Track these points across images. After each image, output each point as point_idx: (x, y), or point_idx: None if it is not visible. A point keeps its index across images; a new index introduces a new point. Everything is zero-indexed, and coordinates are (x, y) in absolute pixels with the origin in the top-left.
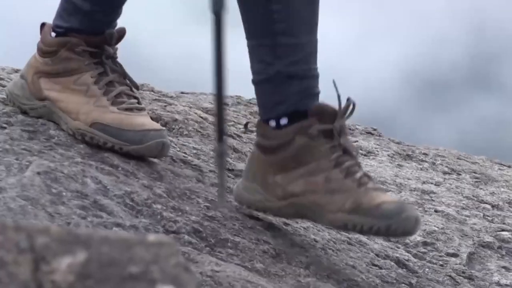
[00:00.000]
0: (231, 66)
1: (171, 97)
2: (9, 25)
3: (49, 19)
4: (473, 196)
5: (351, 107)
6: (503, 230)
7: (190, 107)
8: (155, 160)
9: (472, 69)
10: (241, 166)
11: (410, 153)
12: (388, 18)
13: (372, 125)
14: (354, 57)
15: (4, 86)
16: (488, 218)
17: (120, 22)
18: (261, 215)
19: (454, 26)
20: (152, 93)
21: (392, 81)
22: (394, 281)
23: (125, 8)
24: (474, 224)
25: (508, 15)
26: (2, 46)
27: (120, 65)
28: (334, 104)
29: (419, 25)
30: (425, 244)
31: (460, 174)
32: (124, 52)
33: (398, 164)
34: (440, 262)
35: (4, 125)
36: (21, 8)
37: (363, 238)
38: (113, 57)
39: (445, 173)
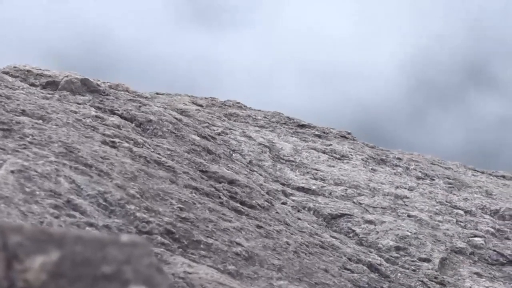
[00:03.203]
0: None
1: (146, 97)
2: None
3: (45, 16)
4: (446, 201)
5: None
6: (475, 236)
7: (165, 108)
8: (129, 160)
9: (472, 66)
10: (215, 168)
11: (384, 157)
12: (388, 12)
13: (371, 121)
14: (354, 52)
15: None
16: (461, 223)
17: (99, 20)
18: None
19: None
20: (127, 93)
21: (391, 75)
22: (366, 285)
23: (107, 7)
24: (447, 229)
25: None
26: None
27: None
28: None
29: (421, 20)
30: (397, 248)
31: (433, 179)
32: (99, 50)
33: (372, 169)
34: (413, 267)
35: None
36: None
37: (336, 242)
38: None
39: (418, 178)
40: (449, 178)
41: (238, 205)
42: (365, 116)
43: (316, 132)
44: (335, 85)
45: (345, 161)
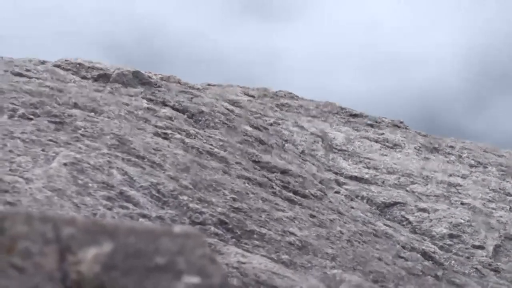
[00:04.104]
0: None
1: (197, 89)
2: (33, 17)
3: (99, 8)
4: (500, 189)
5: None
6: None
7: (217, 99)
8: (181, 151)
9: None
10: (267, 158)
11: (437, 146)
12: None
13: (431, 110)
14: (413, 40)
15: (31, 78)
16: None
17: (153, 13)
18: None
19: None
20: (179, 85)
21: (451, 63)
22: (420, 273)
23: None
24: (501, 216)
25: None
26: (30, 38)
27: None
28: None
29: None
30: (451, 236)
31: (486, 167)
32: (152, 43)
33: (424, 157)
34: (466, 255)
35: (31, 116)
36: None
37: (389, 231)
38: None
39: (471, 166)
40: (502, 166)
41: (291, 194)
42: (424, 104)
43: (369, 121)
44: (394, 74)
45: (397, 149)
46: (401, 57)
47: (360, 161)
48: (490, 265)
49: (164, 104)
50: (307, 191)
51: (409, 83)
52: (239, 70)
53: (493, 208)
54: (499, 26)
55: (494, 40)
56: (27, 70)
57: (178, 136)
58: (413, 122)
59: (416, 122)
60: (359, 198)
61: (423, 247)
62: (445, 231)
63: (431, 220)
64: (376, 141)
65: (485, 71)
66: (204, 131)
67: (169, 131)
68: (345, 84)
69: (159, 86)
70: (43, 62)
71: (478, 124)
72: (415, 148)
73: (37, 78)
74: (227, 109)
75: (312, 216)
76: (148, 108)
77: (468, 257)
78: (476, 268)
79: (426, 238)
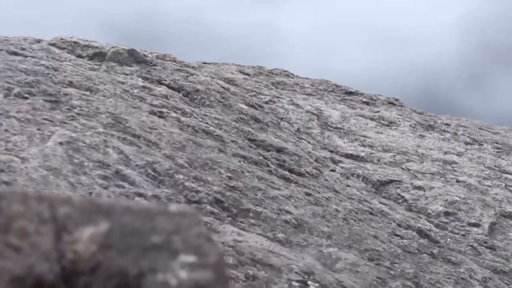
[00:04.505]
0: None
1: (193, 67)
2: None
3: None
4: (495, 166)
5: None
6: None
7: (212, 77)
8: (177, 130)
9: None
10: (263, 136)
11: (432, 123)
12: None
13: (429, 86)
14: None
15: (26, 57)
16: (510, 188)
17: None
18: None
19: None
20: (174, 63)
21: (449, 38)
22: (416, 251)
23: None
24: (496, 194)
25: None
26: (26, 17)
27: None
28: None
29: None
30: (447, 214)
31: (482, 144)
32: (147, 20)
33: (420, 135)
34: (462, 232)
35: (26, 95)
36: None
37: (385, 208)
38: None
39: (467, 143)
40: (497, 143)
41: (287, 173)
42: (422, 81)
43: (364, 99)
44: (392, 51)
45: (393, 127)
46: (399, 34)
47: (356, 139)
48: (485, 242)
49: (160, 82)
50: (302, 169)
51: (407, 60)
52: (236, 48)
53: (488, 186)
54: (498, 2)
55: (493, 15)
56: (23, 49)
57: (173, 114)
58: (411, 100)
59: (415, 100)
60: (355, 176)
61: (419, 225)
62: (440, 208)
63: (426, 198)
64: (372, 119)
65: (483, 47)
66: (200, 110)
67: (164, 110)
68: (345, 60)
69: (154, 65)
70: (38, 41)
71: (475, 101)
72: (410, 125)
73: (33, 57)
74: (223, 87)
75: (307, 194)
76: (143, 87)
77: (463, 235)
78: (472, 246)
79: (421, 216)
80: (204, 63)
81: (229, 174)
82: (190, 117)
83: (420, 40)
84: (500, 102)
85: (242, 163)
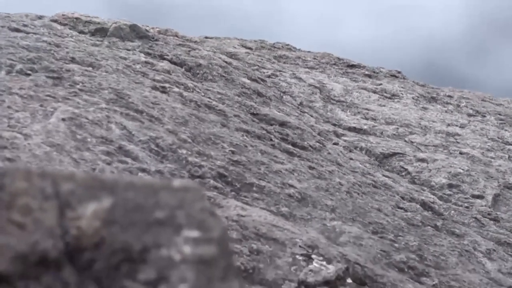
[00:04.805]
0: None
1: (195, 42)
2: None
3: None
4: (498, 137)
5: None
6: None
7: (214, 52)
8: (179, 105)
9: None
10: (265, 110)
11: (435, 95)
12: None
13: (434, 57)
14: None
15: (28, 33)
16: None
17: None
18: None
19: None
20: (176, 38)
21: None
22: (420, 223)
23: None
24: (500, 165)
25: None
26: None
27: None
28: None
29: None
30: (450, 186)
31: (485, 116)
32: None
33: (422, 107)
34: (466, 204)
35: (29, 72)
36: None
37: (388, 181)
38: None
39: (470, 115)
40: (500, 115)
41: (290, 146)
42: (426, 52)
43: (366, 72)
44: (397, 21)
45: (395, 100)
46: (404, 3)
47: (358, 112)
48: (489, 214)
49: (162, 57)
50: (305, 143)
51: (411, 32)
52: (239, 23)
53: (492, 157)
54: None
55: None
56: (24, 26)
57: (176, 89)
58: (415, 71)
59: (419, 71)
60: (358, 149)
61: (422, 198)
62: (444, 181)
63: (430, 170)
64: (374, 92)
65: (487, 19)
66: (202, 84)
67: (167, 85)
68: (349, 32)
69: (156, 40)
70: (40, 17)
71: (479, 72)
72: (413, 98)
73: (34, 33)
74: (225, 62)
75: (311, 168)
76: (145, 62)
77: (467, 207)
78: (475, 218)
79: (425, 188)
80: (206, 37)
81: (232, 149)
82: (192, 92)
83: (425, 11)
84: (504, 74)
85: (245, 137)
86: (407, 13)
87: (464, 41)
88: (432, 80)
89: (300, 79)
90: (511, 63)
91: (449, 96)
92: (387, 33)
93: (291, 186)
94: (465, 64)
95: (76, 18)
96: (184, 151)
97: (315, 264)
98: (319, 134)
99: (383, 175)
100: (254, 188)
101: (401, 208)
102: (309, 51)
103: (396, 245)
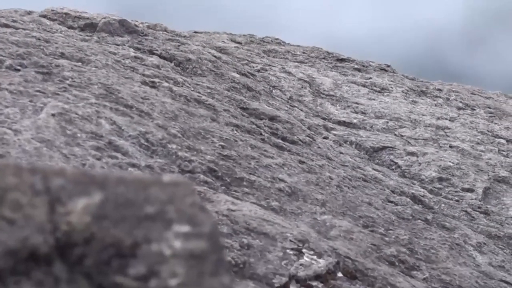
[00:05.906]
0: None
1: (184, 36)
2: None
3: None
4: (488, 131)
5: None
6: None
7: (204, 47)
8: (169, 100)
9: None
10: (255, 104)
11: (424, 89)
12: None
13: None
14: None
15: (17, 28)
16: (503, 152)
17: None
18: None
19: None
20: (165, 33)
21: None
22: (410, 217)
23: None
24: (489, 159)
25: None
26: None
27: None
28: None
29: None
30: (440, 179)
31: (474, 109)
32: None
33: (412, 100)
34: (456, 198)
35: (18, 67)
36: None
37: (378, 175)
38: None
39: (459, 108)
40: (490, 108)
41: (280, 141)
42: (422, 41)
43: (356, 66)
44: (395, 10)
45: (385, 93)
46: None
47: (348, 106)
48: (479, 207)
49: (151, 52)
50: (295, 137)
51: (409, 21)
52: (231, 17)
53: (481, 151)
54: None
55: None
56: (14, 21)
57: (165, 84)
58: (411, 62)
59: (414, 63)
60: (348, 143)
61: (413, 191)
62: (434, 174)
63: (420, 163)
64: (364, 86)
65: (486, 9)
66: (192, 79)
67: (156, 80)
68: (346, 25)
69: (145, 35)
70: (29, 13)
71: (477, 62)
72: (402, 91)
73: (24, 29)
74: (214, 56)
75: (301, 162)
76: (135, 57)
77: (457, 200)
78: (466, 211)
79: (415, 182)
80: (196, 32)
81: (222, 143)
82: (182, 86)
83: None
84: (502, 64)
85: (235, 131)
86: (404, 4)
87: (462, 30)
88: (429, 71)
89: (289, 73)
90: (510, 54)
91: (438, 89)
92: (384, 25)
93: (281, 180)
94: (463, 53)
95: (65, 14)
96: (174, 146)
97: (305, 259)
98: (309, 128)
99: (373, 169)
100: (244, 183)
101: (391, 202)
102: (298, 45)
103: (386, 238)
